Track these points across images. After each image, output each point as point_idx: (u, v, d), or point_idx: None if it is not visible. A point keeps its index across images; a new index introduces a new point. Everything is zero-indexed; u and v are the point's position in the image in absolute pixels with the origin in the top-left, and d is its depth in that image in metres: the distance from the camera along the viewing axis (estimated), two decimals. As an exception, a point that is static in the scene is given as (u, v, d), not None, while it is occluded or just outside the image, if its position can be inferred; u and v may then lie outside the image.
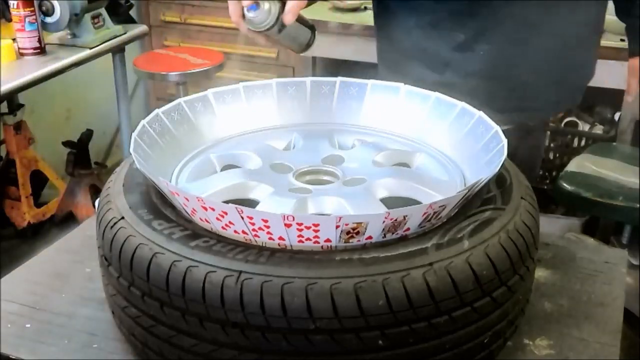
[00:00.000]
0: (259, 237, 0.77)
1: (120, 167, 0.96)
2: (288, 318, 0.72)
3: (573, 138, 2.77)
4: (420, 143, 1.06)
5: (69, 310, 0.96)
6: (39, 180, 2.77)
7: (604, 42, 1.67)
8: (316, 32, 1.18)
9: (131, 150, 0.88)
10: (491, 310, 0.79)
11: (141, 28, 2.78)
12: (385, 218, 0.75)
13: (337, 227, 0.74)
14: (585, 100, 1.49)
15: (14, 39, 2.31)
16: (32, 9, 2.25)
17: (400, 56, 1.35)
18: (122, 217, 0.83)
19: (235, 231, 0.78)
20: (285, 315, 0.71)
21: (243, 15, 1.06)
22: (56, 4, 2.34)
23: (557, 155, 2.78)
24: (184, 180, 0.95)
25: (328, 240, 0.76)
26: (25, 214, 2.69)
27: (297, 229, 0.74)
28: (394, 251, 0.76)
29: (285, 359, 0.75)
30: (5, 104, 2.52)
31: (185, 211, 0.82)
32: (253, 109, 1.10)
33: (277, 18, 1.05)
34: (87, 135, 2.85)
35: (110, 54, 2.62)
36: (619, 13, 1.43)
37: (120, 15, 2.84)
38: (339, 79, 1.12)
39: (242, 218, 0.75)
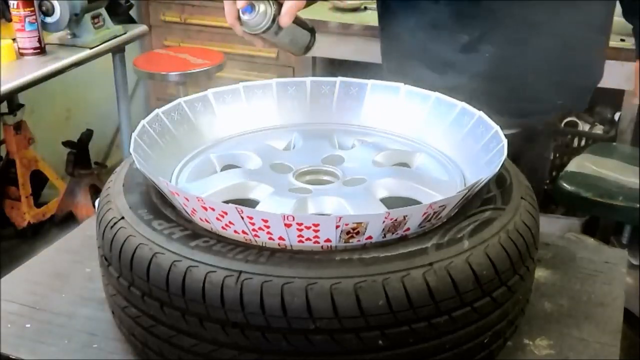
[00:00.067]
0: (259, 237, 0.77)
1: (120, 167, 0.96)
2: (288, 318, 0.72)
3: (573, 138, 2.77)
4: (420, 143, 1.06)
5: (69, 310, 0.96)
6: (39, 180, 2.77)
7: (603, 42, 1.66)
8: (316, 33, 1.16)
9: (131, 150, 0.88)
10: (491, 310, 0.79)
11: (141, 28, 2.78)
12: (385, 218, 0.75)
13: (337, 227, 0.74)
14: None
15: (14, 39, 2.31)
16: (32, 9, 2.26)
17: (404, 58, 1.34)
18: (122, 217, 0.83)
19: (235, 231, 0.78)
20: (285, 315, 0.71)
21: (239, 17, 1.05)
22: (56, 4, 2.34)
23: (557, 155, 2.78)
24: (184, 180, 0.95)
25: (328, 240, 0.76)
26: (25, 214, 2.69)
27: (297, 229, 0.74)
28: (394, 251, 0.76)
29: (285, 359, 0.75)
30: (5, 104, 2.52)
31: (185, 211, 0.82)
32: (253, 109, 1.10)
33: (274, 20, 1.02)
34: (87, 135, 2.85)
35: (110, 54, 2.62)
36: (626, 15, 1.40)
37: (120, 15, 2.84)
38: (339, 79, 1.12)
39: (242, 218, 0.75)
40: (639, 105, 2.55)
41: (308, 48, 1.15)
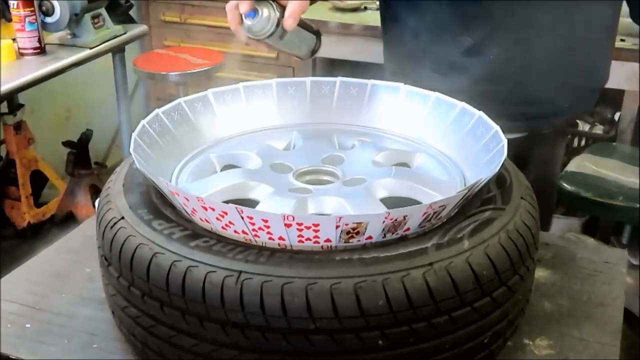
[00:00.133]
0: (259, 237, 0.77)
1: (120, 167, 0.96)
2: (288, 318, 0.72)
3: (573, 138, 2.77)
4: (420, 143, 1.06)
5: (69, 310, 0.96)
6: (39, 180, 2.77)
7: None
8: (321, 36, 1.13)
9: (131, 150, 0.88)
10: (491, 310, 0.79)
11: (141, 28, 2.78)
12: (385, 218, 0.75)
13: (337, 227, 0.74)
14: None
15: (14, 39, 2.32)
16: (32, 9, 2.26)
17: (407, 61, 1.32)
18: (122, 217, 0.83)
19: (235, 231, 0.78)
20: (285, 315, 0.71)
21: (242, 23, 1.02)
22: (56, 4, 2.34)
23: (557, 155, 2.77)
24: (184, 180, 0.95)
25: (328, 240, 0.76)
26: (25, 214, 2.70)
27: (297, 229, 0.74)
28: (394, 251, 0.76)
29: (285, 359, 0.75)
30: (5, 104, 2.52)
31: (185, 211, 0.82)
32: (253, 109, 1.10)
33: (278, 24, 1.00)
34: (87, 135, 2.86)
35: (110, 54, 2.62)
36: (634, 16, 1.39)
37: (120, 15, 2.84)
38: (339, 79, 1.12)
39: (242, 218, 0.75)
40: (639, 105, 2.55)
41: (314, 51, 1.12)
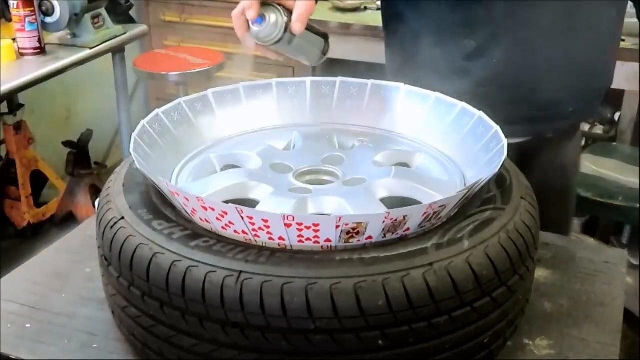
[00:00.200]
0: (259, 237, 0.77)
1: (120, 167, 0.96)
2: (288, 318, 0.72)
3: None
4: (420, 143, 1.06)
5: (69, 310, 0.96)
6: (39, 180, 2.77)
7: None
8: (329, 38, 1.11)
9: (131, 150, 0.88)
10: (491, 310, 0.79)
11: (141, 28, 2.78)
12: (385, 218, 0.75)
13: (337, 227, 0.74)
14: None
15: (14, 39, 2.32)
16: (32, 9, 2.26)
17: (409, 64, 1.30)
18: (122, 217, 0.83)
19: (235, 231, 0.78)
20: (285, 315, 0.71)
21: (249, 30, 0.99)
22: (56, 4, 2.34)
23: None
24: (184, 180, 0.95)
25: (328, 240, 0.76)
26: (25, 214, 2.69)
27: (297, 229, 0.74)
28: (394, 251, 0.76)
29: (285, 359, 0.75)
30: (5, 104, 2.52)
31: (185, 211, 0.82)
32: (253, 109, 1.10)
33: (286, 29, 0.97)
34: (87, 135, 2.86)
35: (110, 54, 2.62)
36: None
37: (120, 15, 2.84)
38: (339, 79, 1.12)
39: (242, 218, 0.75)
40: (639, 105, 2.55)
41: (323, 54, 1.10)
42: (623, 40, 2.23)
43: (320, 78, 1.13)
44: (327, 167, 0.99)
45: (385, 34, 1.40)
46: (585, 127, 2.80)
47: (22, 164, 2.64)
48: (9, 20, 2.32)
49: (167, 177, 0.95)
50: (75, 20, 2.42)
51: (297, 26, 0.98)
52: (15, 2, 2.23)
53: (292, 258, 0.75)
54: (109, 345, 0.90)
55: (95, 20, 2.49)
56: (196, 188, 0.90)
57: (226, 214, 0.76)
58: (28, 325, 0.93)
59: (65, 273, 1.04)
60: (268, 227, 0.75)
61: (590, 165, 2.15)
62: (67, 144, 2.83)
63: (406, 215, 0.76)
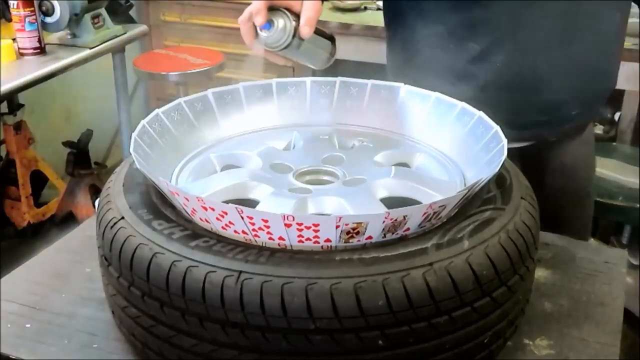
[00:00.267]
0: (259, 237, 0.77)
1: (120, 167, 0.96)
2: (288, 318, 0.72)
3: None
4: (420, 143, 1.06)
5: (69, 310, 0.96)
6: (39, 180, 2.77)
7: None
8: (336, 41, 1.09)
9: (131, 150, 0.88)
10: (491, 310, 0.79)
11: (141, 28, 2.78)
12: (385, 218, 0.75)
13: (337, 227, 0.74)
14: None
15: (14, 39, 2.32)
16: (32, 9, 2.26)
17: (412, 68, 1.28)
18: (122, 217, 0.83)
19: (235, 231, 0.78)
20: (285, 315, 0.71)
21: (257, 36, 0.98)
22: (56, 4, 2.35)
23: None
24: (184, 180, 0.95)
25: (328, 240, 0.76)
26: (25, 214, 2.69)
27: (297, 229, 0.74)
28: (394, 251, 0.76)
29: (285, 359, 0.75)
30: (5, 104, 2.52)
31: (185, 211, 0.82)
32: (253, 109, 1.10)
33: (294, 34, 0.96)
34: (87, 135, 2.86)
35: (110, 54, 2.62)
36: None
37: (120, 15, 2.84)
38: (339, 79, 1.12)
39: (242, 218, 0.75)
40: (639, 105, 2.55)
41: (332, 56, 1.08)
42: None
43: (320, 78, 1.13)
44: (327, 167, 0.99)
45: (388, 36, 1.38)
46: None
47: (22, 164, 2.64)
48: (9, 20, 2.32)
49: (167, 177, 0.95)
50: (75, 20, 2.42)
51: (306, 30, 0.97)
52: (15, 2, 2.23)
53: (292, 258, 0.75)
54: (109, 345, 0.90)
55: (95, 20, 2.49)
56: (196, 188, 0.90)
57: (226, 214, 0.76)
58: (28, 325, 0.93)
59: (65, 273, 1.04)
60: (268, 227, 0.75)
61: (591, 165, 2.15)
62: (67, 144, 2.83)
63: (406, 215, 0.76)
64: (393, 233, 0.78)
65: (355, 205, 0.85)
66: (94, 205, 0.96)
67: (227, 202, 0.79)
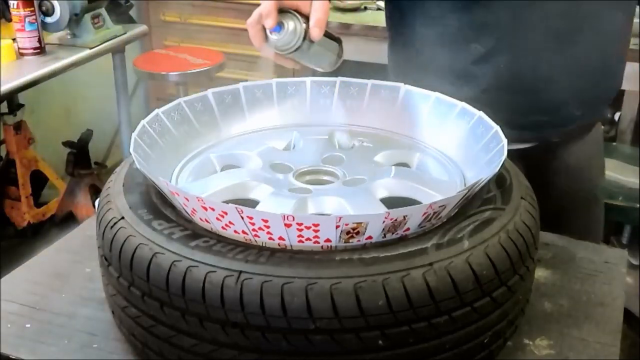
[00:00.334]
0: (259, 237, 0.77)
1: (120, 167, 0.96)
2: (288, 318, 0.72)
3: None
4: (420, 143, 1.06)
5: (69, 310, 0.96)
6: (39, 180, 2.77)
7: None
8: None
9: (131, 150, 0.88)
10: (491, 310, 0.79)
11: (141, 28, 2.78)
12: (385, 218, 0.75)
13: (337, 227, 0.74)
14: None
15: (14, 39, 2.32)
16: (32, 9, 2.26)
17: (414, 69, 1.27)
18: (122, 217, 0.83)
19: (235, 231, 0.78)
20: (285, 315, 0.71)
21: (266, 39, 0.97)
22: (56, 4, 2.35)
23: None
24: (184, 180, 0.95)
25: (328, 240, 0.76)
26: (25, 214, 2.69)
27: (297, 229, 0.74)
28: (394, 251, 0.76)
29: (285, 359, 0.75)
30: (5, 104, 2.52)
31: (185, 211, 0.82)
32: (253, 108, 1.10)
33: (305, 36, 0.95)
34: (87, 135, 2.86)
35: (110, 54, 2.62)
36: None
37: (120, 15, 2.84)
38: (339, 79, 1.12)
39: (242, 218, 0.75)
40: (639, 105, 2.55)
41: (339, 58, 1.07)
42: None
43: (320, 78, 1.12)
44: (327, 167, 0.99)
45: (390, 37, 1.38)
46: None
47: (22, 164, 2.64)
48: (9, 20, 2.32)
49: (167, 177, 0.95)
50: (75, 20, 2.42)
51: (316, 32, 0.96)
52: (15, 2, 2.23)
53: (292, 258, 0.75)
54: (109, 345, 0.90)
55: (95, 20, 2.49)
56: (196, 188, 0.90)
57: (226, 214, 0.76)
58: (28, 325, 0.93)
59: (65, 273, 1.04)
60: (268, 227, 0.75)
61: (591, 165, 2.15)
62: (67, 144, 2.83)
63: (406, 215, 0.76)
64: (393, 233, 0.78)
65: (355, 205, 0.85)
66: (94, 205, 0.96)
67: (227, 202, 0.79)
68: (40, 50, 2.34)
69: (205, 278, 0.73)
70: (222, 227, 0.78)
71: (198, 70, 2.87)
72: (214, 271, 0.73)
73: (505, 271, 0.79)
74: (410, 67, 1.29)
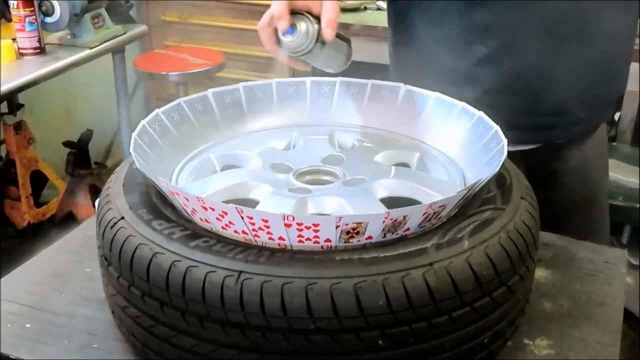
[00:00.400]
0: (259, 237, 0.77)
1: (120, 167, 0.96)
2: (288, 318, 0.72)
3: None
4: (420, 143, 1.06)
5: (69, 310, 0.96)
6: (39, 180, 2.77)
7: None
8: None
9: (131, 150, 0.88)
10: (491, 310, 0.79)
11: (141, 28, 2.78)
12: (385, 218, 0.75)
13: (337, 227, 0.74)
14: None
15: (14, 39, 2.32)
16: (32, 9, 2.26)
17: (417, 70, 1.26)
18: (122, 217, 0.83)
19: (235, 231, 0.78)
20: (285, 315, 0.71)
21: (278, 41, 0.96)
22: (56, 4, 2.35)
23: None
24: (184, 180, 0.95)
25: (328, 240, 0.76)
26: (25, 214, 2.69)
27: (297, 229, 0.74)
28: (394, 251, 0.76)
29: (285, 359, 0.75)
30: (5, 104, 2.52)
31: (185, 211, 0.82)
32: (253, 109, 1.10)
33: (317, 38, 0.94)
34: (87, 135, 2.86)
35: (110, 54, 2.62)
36: None
37: (120, 15, 2.84)
38: (339, 79, 1.12)
39: (242, 218, 0.75)
40: (639, 105, 2.55)
41: (348, 59, 1.06)
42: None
43: (320, 78, 1.12)
44: (327, 167, 0.99)
45: (392, 38, 1.37)
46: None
47: (22, 164, 2.64)
48: (9, 20, 2.32)
49: (167, 177, 0.95)
50: (75, 20, 2.42)
51: (328, 33, 0.94)
52: (15, 2, 2.23)
53: (292, 258, 0.75)
54: (109, 345, 0.90)
55: (95, 20, 2.49)
56: (196, 188, 0.90)
57: (226, 214, 0.76)
58: (28, 325, 0.93)
59: (65, 273, 1.04)
60: (268, 227, 0.75)
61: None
62: (67, 144, 2.83)
63: (406, 215, 0.76)
64: (393, 233, 0.78)
65: (355, 205, 0.85)
66: (94, 205, 0.96)
67: (227, 202, 0.79)
68: (40, 50, 2.34)
69: (205, 278, 0.73)
70: (222, 227, 0.78)
71: (198, 70, 2.87)
72: (214, 271, 0.73)
73: (505, 271, 0.79)
74: (412, 68, 1.28)
